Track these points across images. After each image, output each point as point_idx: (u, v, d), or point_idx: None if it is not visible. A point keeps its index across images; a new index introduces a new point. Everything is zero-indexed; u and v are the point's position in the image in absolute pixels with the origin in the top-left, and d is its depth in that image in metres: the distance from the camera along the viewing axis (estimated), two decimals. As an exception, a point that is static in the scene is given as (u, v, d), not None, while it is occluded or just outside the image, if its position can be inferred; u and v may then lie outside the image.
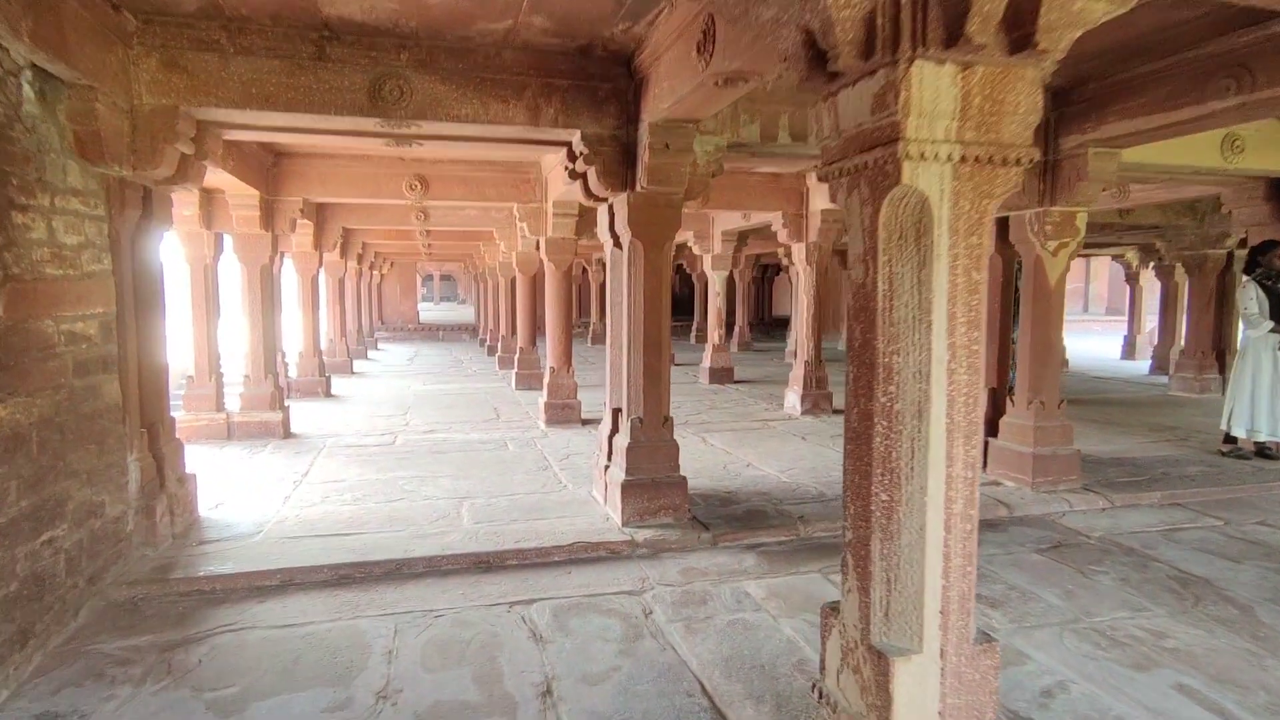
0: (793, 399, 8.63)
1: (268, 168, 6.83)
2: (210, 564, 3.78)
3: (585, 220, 7.56)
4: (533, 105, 4.14)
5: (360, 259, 14.48)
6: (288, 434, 7.20)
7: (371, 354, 16.34)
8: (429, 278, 44.13)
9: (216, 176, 5.68)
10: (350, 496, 5.05)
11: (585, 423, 7.86)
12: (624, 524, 4.39)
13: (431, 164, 7.27)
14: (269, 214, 6.98)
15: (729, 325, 18.02)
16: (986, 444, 5.59)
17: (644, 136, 4.13)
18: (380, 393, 10.29)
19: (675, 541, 4.25)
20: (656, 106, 3.91)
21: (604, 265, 20.52)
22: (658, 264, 4.46)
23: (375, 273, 19.31)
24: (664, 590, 3.68)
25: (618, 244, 4.74)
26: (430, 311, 26.96)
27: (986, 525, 4.65)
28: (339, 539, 4.18)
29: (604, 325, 16.80)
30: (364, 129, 4.19)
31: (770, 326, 23.54)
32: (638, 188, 4.28)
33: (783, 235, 8.47)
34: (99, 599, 3.42)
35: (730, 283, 14.66)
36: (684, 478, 4.55)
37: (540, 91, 4.14)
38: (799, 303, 8.54)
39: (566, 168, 4.76)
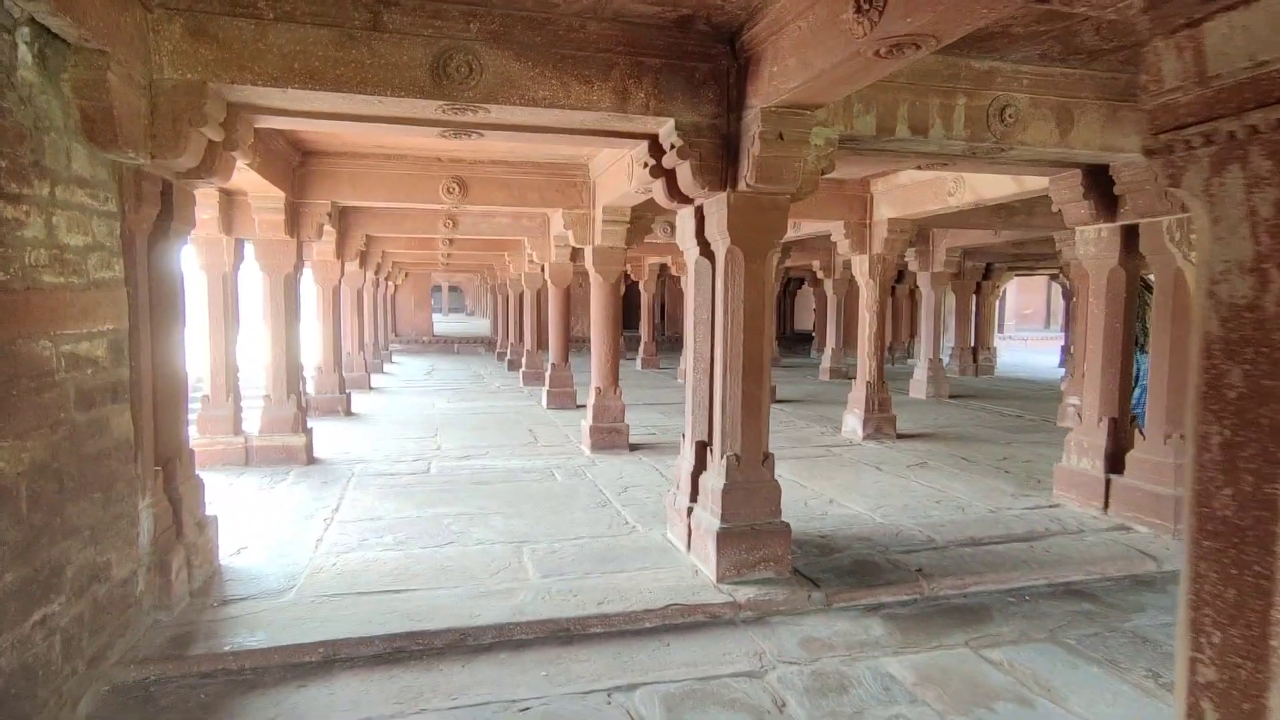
0: (853, 423, 7.97)
1: (294, 167, 6.24)
2: (237, 634, 3.13)
3: (636, 229, 6.95)
4: (620, 88, 3.52)
5: (378, 269, 13.90)
6: (311, 459, 6.56)
7: (387, 367, 15.73)
8: (437, 289, 43.65)
9: (240, 176, 5.07)
10: (391, 539, 4.40)
11: (634, 448, 7.21)
12: (719, 579, 3.73)
13: (470, 165, 6.67)
14: (295, 218, 6.38)
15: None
16: (1108, 482, 4.92)
17: (752, 125, 3.51)
18: (403, 411, 9.65)
19: (782, 602, 3.59)
20: (774, 88, 3.29)
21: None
22: (760, 275, 3.83)
23: (390, 284, 18.74)
24: (789, 671, 3.02)
25: (706, 253, 4.11)
26: (440, 323, 26.37)
27: (1137, 582, 3.98)
28: (387, 598, 3.52)
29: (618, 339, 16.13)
30: (421, 115, 3.58)
31: (792, 342, 22.84)
32: (740, 186, 3.66)
33: (843, 246, 7.84)
34: (103, 683, 2.77)
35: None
36: (786, 524, 3.89)
37: (630, 71, 3.53)
38: (860, 319, 7.91)
39: (647, 164, 4.13)
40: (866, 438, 7.77)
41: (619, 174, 6.02)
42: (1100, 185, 4.77)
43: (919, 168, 4.98)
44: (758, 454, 3.87)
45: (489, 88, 3.37)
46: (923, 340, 11.63)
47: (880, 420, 7.85)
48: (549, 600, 3.52)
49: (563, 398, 9.94)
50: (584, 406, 9.93)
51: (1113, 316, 4.94)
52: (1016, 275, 18.49)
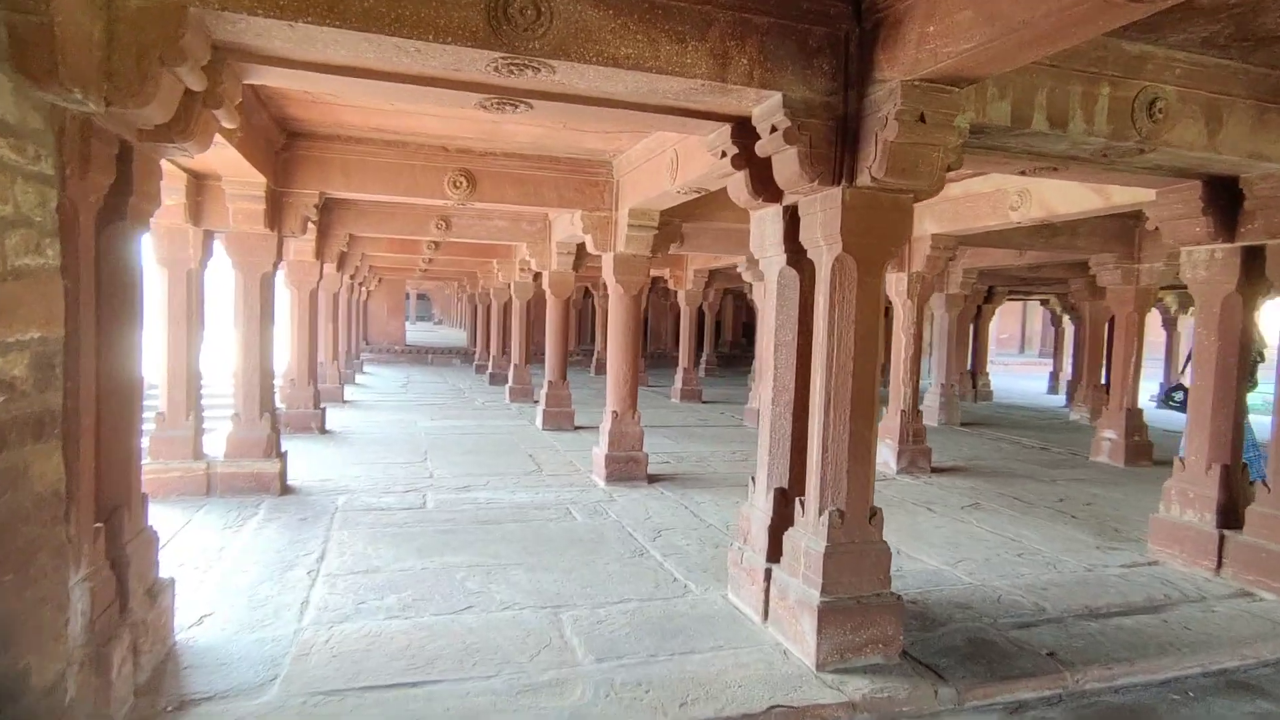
0: (885, 454, 7.31)
1: (278, 150, 5.38)
2: (203, 760, 2.28)
3: (663, 236, 6.22)
4: (719, 50, 2.80)
5: (355, 273, 12.94)
6: (285, 489, 5.65)
7: (359, 379, 14.71)
8: (405, 296, 42.36)
9: (216, 154, 4.20)
10: (396, 601, 3.56)
11: (653, 479, 6.44)
12: (819, 666, 2.98)
13: (480, 157, 5.89)
14: (276, 209, 5.51)
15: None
16: (1222, 538, 4.31)
17: (884, 103, 2.81)
18: (384, 429, 8.73)
19: (905, 700, 2.86)
20: (926, 53, 2.60)
21: (599, 288, 19.08)
22: (875, 292, 3.12)
23: (363, 289, 17.70)
24: (952, 813, 2.28)
25: (797, 262, 3.40)
26: (409, 332, 25.33)
27: (1302, 668, 3.34)
28: (402, 696, 2.70)
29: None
30: (466, 73, 2.81)
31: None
32: (861, 179, 2.95)
33: (880, 261, 7.21)
34: None
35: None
36: (898, 597, 3.16)
37: (731, 30, 2.81)
38: (895, 342, 7.29)
39: (725, 153, 3.43)
40: (901, 471, 7.12)
41: (655, 171, 5.30)
42: (1220, 200, 4.20)
43: (1022, 173, 4.36)
44: (865, 508, 3.14)
45: (559, 39, 2.62)
46: (936, 364, 11.09)
47: (914, 452, 7.22)
48: (616, 699, 2.73)
49: (560, 418, 9.13)
50: (582, 429, 9.20)
51: (1226, 349, 4.35)
52: (1010, 300, 18.23)
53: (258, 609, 3.43)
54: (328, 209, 7.98)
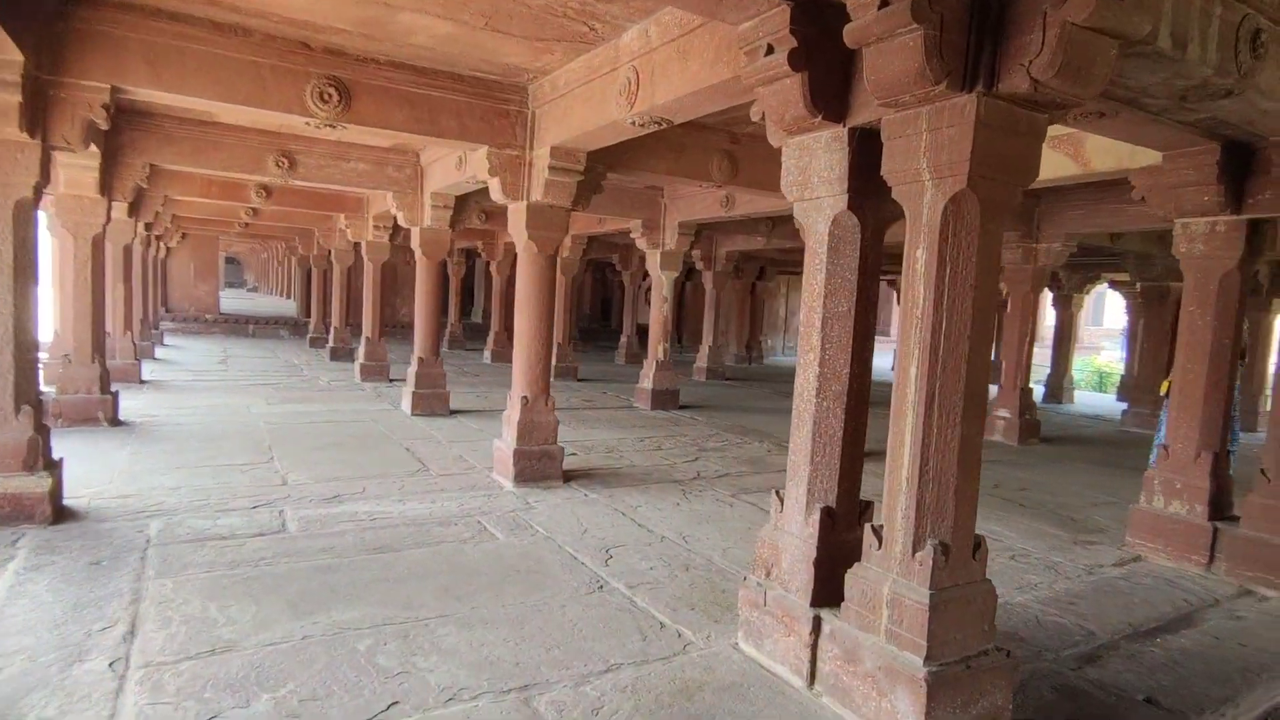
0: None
1: (47, 15, 3.63)
2: None
3: (587, 184, 5.11)
4: None
5: (154, 222, 10.45)
6: (59, 513, 3.97)
7: (160, 353, 12.10)
8: (219, 256, 37.11)
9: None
10: (271, 709, 2.29)
11: (568, 477, 5.38)
12: (923, 761, 2.16)
13: (358, 64, 4.45)
14: (39, 105, 3.76)
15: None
16: (1215, 532, 4.06)
17: (1057, -30, 1.96)
18: (205, 417, 6.88)
19: (1044, 801, 2.12)
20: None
21: (475, 254, 17.45)
22: (997, 247, 2.30)
23: (162, 245, 14.72)
24: None
25: (857, 208, 2.52)
26: (228, 300, 21.85)
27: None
28: None
29: (501, 329, 14.05)
30: None
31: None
32: (1006, 84, 2.09)
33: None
34: None
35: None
36: (1007, 653, 2.40)
37: None
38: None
39: (775, 47, 2.45)
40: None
41: (598, 96, 4.19)
42: (1232, 167, 3.86)
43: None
44: (969, 538, 2.35)
45: None
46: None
47: (842, 437, 6.72)
48: None
49: (433, 402, 7.75)
50: (460, 414, 7.89)
51: (1223, 329, 4.07)
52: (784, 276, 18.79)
53: (23, 751, 2.03)
54: (121, 126, 6.00)
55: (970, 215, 2.19)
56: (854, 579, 2.45)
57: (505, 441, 5.27)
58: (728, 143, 5.77)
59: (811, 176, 2.64)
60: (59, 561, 3.36)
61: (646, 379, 9.21)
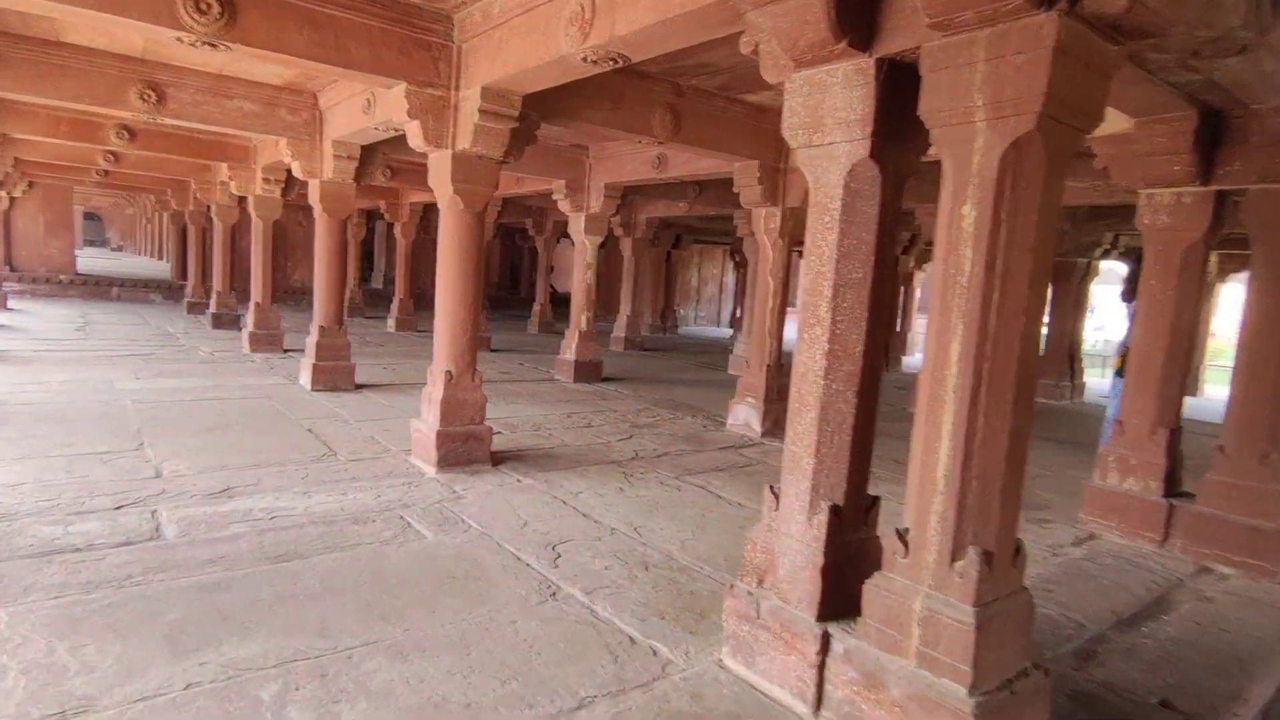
0: (746, 414, 6.51)
1: None
2: None
3: (521, 132, 4.52)
4: None
5: (-11, 165, 8.91)
6: None
7: (2, 318, 10.50)
8: (72, 209, 33.18)
9: None
10: (144, 798, 1.72)
11: (498, 460, 4.85)
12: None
13: (244, -32, 3.66)
14: None
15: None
16: (1171, 509, 4.03)
17: None
18: (57, 396, 5.85)
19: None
20: None
21: (375, 214, 16.19)
22: (1059, 202, 1.96)
23: (3, 193, 12.78)
24: None
25: (879, 155, 2.14)
26: (88, 260, 19.44)
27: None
28: None
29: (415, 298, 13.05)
30: None
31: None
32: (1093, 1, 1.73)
33: (752, 194, 6.23)
34: None
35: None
36: (1046, 671, 2.12)
37: None
38: (760, 287, 6.40)
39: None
40: (765, 433, 6.35)
41: (544, 24, 3.61)
42: (1205, 136, 3.75)
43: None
44: (1011, 543, 2.04)
45: None
46: (747, 313, 10.62)
47: (780, 412, 6.49)
48: None
49: (337, 375, 6.97)
50: (365, 388, 7.15)
51: (1184, 303, 4.01)
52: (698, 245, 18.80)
53: None
54: (-66, 40, 4.87)
55: (1034, 165, 1.84)
56: (875, 591, 2.11)
57: (426, 422, 4.68)
58: (671, 95, 5.29)
59: (824, 118, 2.23)
60: None
61: (569, 350, 8.70)
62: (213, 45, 3.74)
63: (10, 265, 14.35)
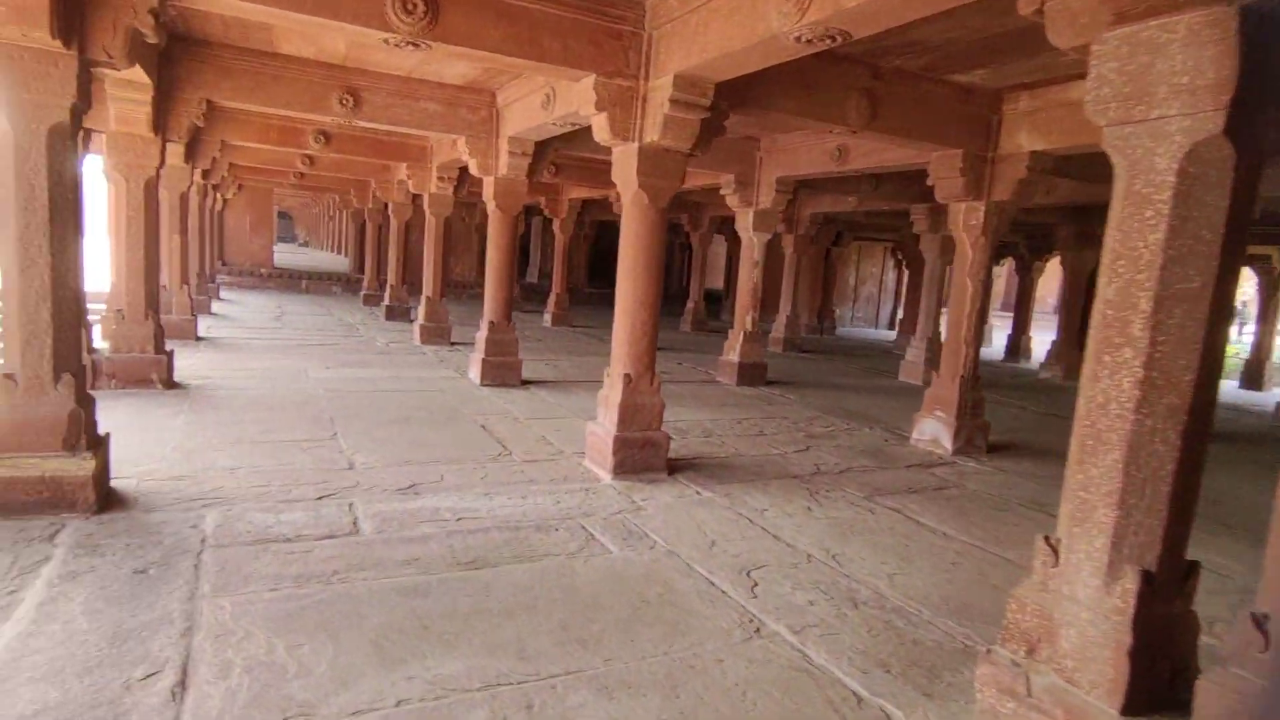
0: (935, 429, 5.91)
1: None
2: None
3: (711, 123, 4.26)
4: None
5: (210, 170, 9.92)
6: (103, 502, 3.38)
7: (216, 307, 11.73)
8: (273, 208, 37.08)
9: None
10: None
11: (673, 468, 4.65)
12: None
13: (447, -34, 3.65)
14: (71, 9, 3.07)
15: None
16: None
17: None
18: (262, 381, 6.33)
19: None
20: None
21: (533, 210, 16.69)
22: None
23: (219, 196, 14.30)
24: None
25: (1233, 132, 1.65)
26: (280, 255, 21.62)
27: None
28: None
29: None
30: None
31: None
32: None
33: (948, 188, 5.62)
34: None
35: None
36: None
37: None
38: (958, 290, 5.78)
39: None
40: (957, 451, 5.74)
41: (738, 10, 3.32)
42: None
43: None
44: None
45: None
46: (923, 315, 9.86)
47: (973, 429, 5.85)
48: None
49: (505, 371, 7.08)
50: (532, 384, 7.22)
51: None
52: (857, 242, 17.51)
53: None
54: (176, 55, 5.37)
55: None
56: (1218, 693, 1.64)
57: (603, 425, 4.55)
58: (868, 78, 4.83)
59: (1154, 86, 1.77)
60: (100, 567, 2.76)
61: (732, 351, 8.40)
62: (415, 45, 3.77)
63: (222, 260, 16.09)
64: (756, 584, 3.10)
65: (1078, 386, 2.06)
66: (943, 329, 10.18)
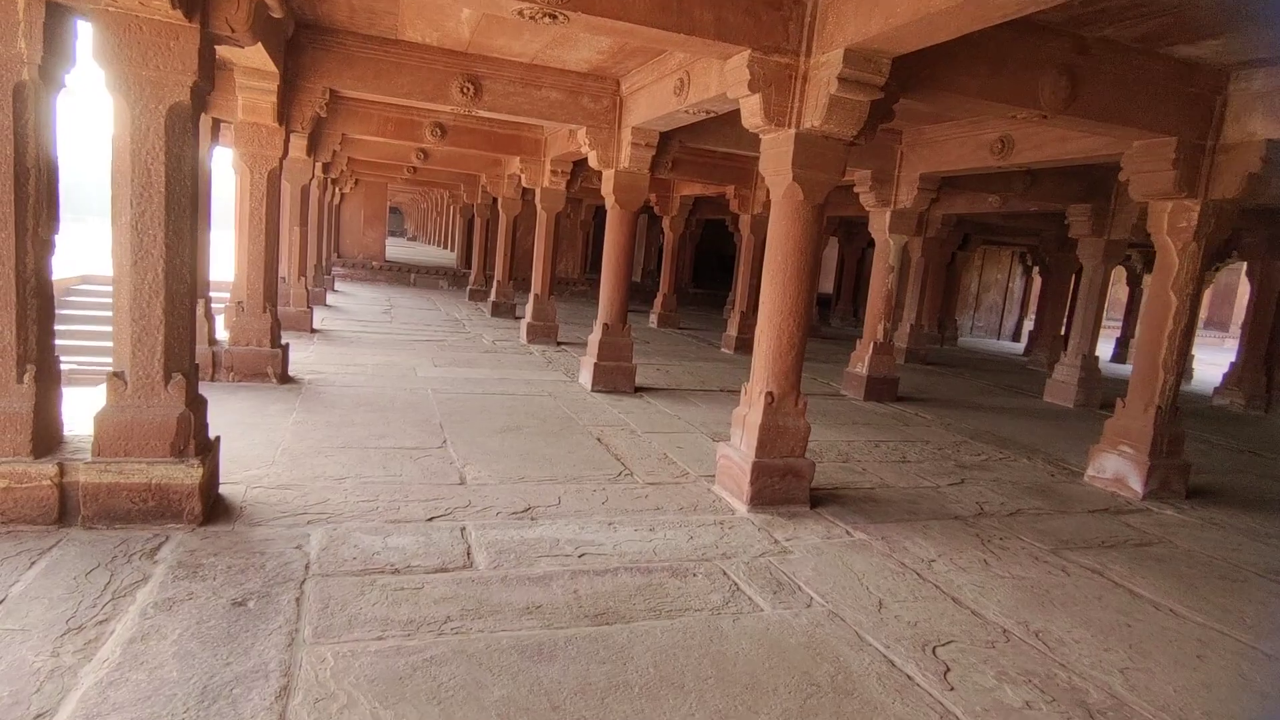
0: (1119, 466, 5.03)
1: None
2: None
3: (885, 99, 3.64)
4: None
5: (330, 164, 10.03)
6: (209, 513, 3.14)
7: (330, 299, 11.96)
8: (387, 202, 38.60)
9: None
10: None
11: (815, 501, 4.06)
12: None
13: (592, -77, 3.20)
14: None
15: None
16: None
17: None
18: (372, 379, 6.16)
19: None
20: None
21: (672, 205, 16.42)
22: None
23: (337, 190, 14.68)
24: None
25: None
26: (391, 248, 22.24)
27: None
28: None
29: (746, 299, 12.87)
30: None
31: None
32: None
33: (1151, 182, 4.73)
34: None
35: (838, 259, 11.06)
36: None
37: None
38: (1149, 307, 4.89)
39: None
40: (1149, 494, 4.84)
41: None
42: None
43: None
44: None
45: None
46: (1079, 330, 8.76)
47: (1169, 470, 4.93)
48: None
49: (617, 377, 6.66)
50: (644, 392, 6.77)
51: None
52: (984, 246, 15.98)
53: None
54: (302, 43, 5.22)
55: None
56: None
57: (737, 449, 4.02)
58: (1071, 51, 4.06)
59: None
60: (198, 594, 2.47)
61: (860, 363, 7.66)
62: (552, 16, 3.35)
63: (338, 252, 16.58)
64: (949, 669, 2.49)
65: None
66: (1098, 346, 9.05)
